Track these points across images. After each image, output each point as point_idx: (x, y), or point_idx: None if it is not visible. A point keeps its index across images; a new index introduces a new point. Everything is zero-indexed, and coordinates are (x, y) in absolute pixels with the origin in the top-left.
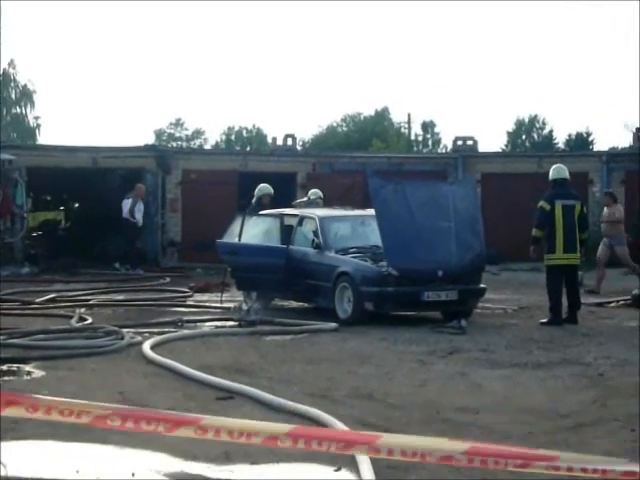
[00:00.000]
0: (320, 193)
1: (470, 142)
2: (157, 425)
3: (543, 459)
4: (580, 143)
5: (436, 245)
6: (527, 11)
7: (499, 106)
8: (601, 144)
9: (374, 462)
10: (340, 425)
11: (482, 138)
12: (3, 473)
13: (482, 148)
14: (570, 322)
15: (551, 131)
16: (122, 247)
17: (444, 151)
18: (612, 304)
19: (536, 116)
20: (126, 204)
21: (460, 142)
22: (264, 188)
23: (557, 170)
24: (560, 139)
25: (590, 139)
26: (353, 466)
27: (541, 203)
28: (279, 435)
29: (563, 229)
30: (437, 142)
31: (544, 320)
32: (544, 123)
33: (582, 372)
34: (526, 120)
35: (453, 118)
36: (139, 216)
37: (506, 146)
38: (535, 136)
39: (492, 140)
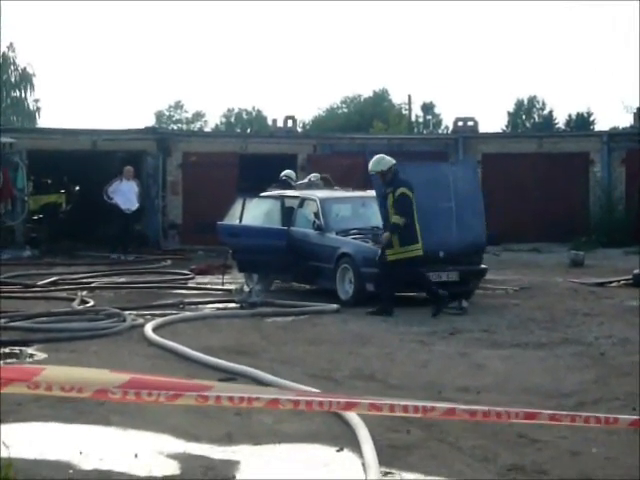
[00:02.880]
0: (323, 176)
1: (471, 123)
2: (158, 395)
3: None
4: (581, 123)
5: (437, 226)
6: None
7: (499, 87)
8: (602, 124)
9: (376, 442)
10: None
11: (482, 119)
12: (6, 454)
13: (482, 129)
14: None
15: (551, 111)
16: (113, 233)
17: (445, 132)
18: (613, 284)
19: (535, 97)
20: (106, 187)
21: (460, 123)
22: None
23: (380, 160)
24: (560, 119)
25: (591, 119)
26: (356, 446)
27: (403, 190)
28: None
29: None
30: (437, 123)
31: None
32: (544, 104)
33: (583, 351)
34: (525, 101)
35: (453, 99)
36: (134, 198)
37: (506, 127)
38: (535, 117)
39: (492, 121)
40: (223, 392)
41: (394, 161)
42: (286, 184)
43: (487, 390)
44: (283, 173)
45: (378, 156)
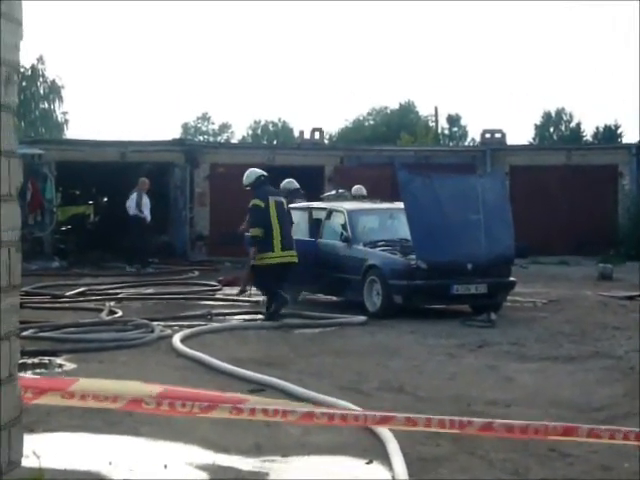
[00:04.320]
0: (363, 190)
1: (498, 135)
2: (192, 407)
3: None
4: (608, 135)
5: (465, 238)
6: (554, 2)
7: (526, 99)
8: (630, 136)
9: (406, 455)
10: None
11: (509, 131)
12: (37, 464)
13: (510, 141)
14: (268, 317)
15: (579, 124)
16: (133, 246)
17: (471, 144)
18: None
19: (563, 109)
20: (132, 200)
21: (488, 135)
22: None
23: (249, 174)
24: (588, 132)
25: (619, 131)
26: (385, 459)
27: (255, 201)
28: None
29: (279, 226)
30: (463, 135)
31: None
32: (571, 116)
33: (613, 365)
34: (553, 113)
35: (479, 111)
36: (147, 211)
37: (533, 139)
38: (563, 129)
39: (520, 133)
40: (257, 405)
41: (260, 173)
42: (342, 197)
43: (516, 404)
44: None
45: (248, 170)
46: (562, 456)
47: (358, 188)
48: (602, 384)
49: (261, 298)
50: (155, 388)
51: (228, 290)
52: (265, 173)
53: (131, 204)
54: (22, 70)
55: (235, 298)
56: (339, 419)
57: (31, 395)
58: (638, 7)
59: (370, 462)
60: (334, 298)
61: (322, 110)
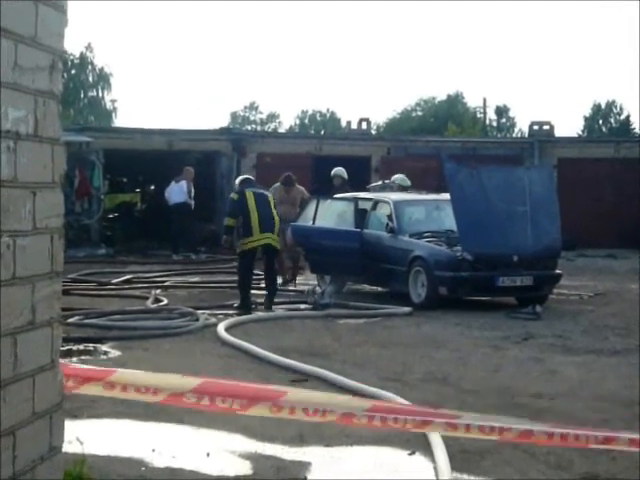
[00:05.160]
0: (407, 180)
1: (546, 127)
2: (232, 403)
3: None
4: None
5: (511, 230)
6: None
7: (575, 91)
8: None
9: (448, 447)
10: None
11: (558, 123)
12: (80, 450)
13: (558, 133)
14: (265, 307)
15: (628, 116)
16: (178, 234)
17: (519, 136)
18: None
19: (614, 101)
20: (178, 189)
21: (536, 127)
22: (337, 171)
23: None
24: (638, 124)
25: None
26: (428, 450)
27: (231, 195)
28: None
29: (257, 212)
30: (512, 127)
31: (236, 304)
32: (621, 108)
33: None
34: (603, 105)
35: (528, 103)
36: (190, 199)
37: (582, 131)
38: (612, 121)
39: (568, 125)
40: (297, 398)
41: (242, 178)
42: (388, 188)
43: (561, 396)
44: (395, 177)
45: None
46: (605, 451)
47: (401, 178)
48: None
49: (306, 287)
50: (194, 381)
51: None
52: (249, 177)
53: (177, 193)
54: (71, 58)
55: (281, 287)
56: (379, 421)
57: (72, 384)
58: None
59: (413, 453)
60: (379, 289)
61: (370, 100)
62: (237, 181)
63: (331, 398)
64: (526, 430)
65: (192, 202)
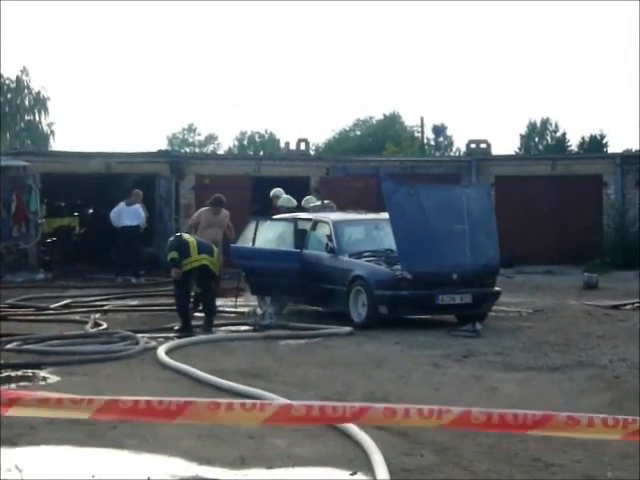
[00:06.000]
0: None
1: (483, 145)
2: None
3: None
4: (594, 145)
5: (450, 248)
6: (539, 13)
7: (511, 109)
8: (615, 146)
9: (390, 466)
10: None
11: (495, 141)
12: (19, 478)
13: (495, 151)
14: (204, 329)
15: (564, 134)
16: (124, 257)
17: (457, 154)
18: (627, 306)
19: (548, 119)
20: (131, 212)
21: (473, 145)
22: (276, 192)
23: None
24: (573, 142)
25: (604, 141)
26: (369, 470)
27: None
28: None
29: (195, 240)
30: (449, 146)
31: (177, 327)
32: (557, 126)
33: (598, 375)
34: (538, 123)
35: (465, 122)
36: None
37: (519, 149)
38: (548, 139)
39: (505, 143)
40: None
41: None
42: (328, 208)
43: None
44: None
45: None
46: (546, 466)
47: (287, 199)
48: (587, 393)
49: (247, 309)
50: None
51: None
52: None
53: (121, 215)
54: (7, 82)
55: (221, 309)
56: (318, 411)
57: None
58: (625, 17)
59: (354, 473)
60: (319, 309)
61: (308, 121)
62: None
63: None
64: (465, 412)
65: (145, 225)
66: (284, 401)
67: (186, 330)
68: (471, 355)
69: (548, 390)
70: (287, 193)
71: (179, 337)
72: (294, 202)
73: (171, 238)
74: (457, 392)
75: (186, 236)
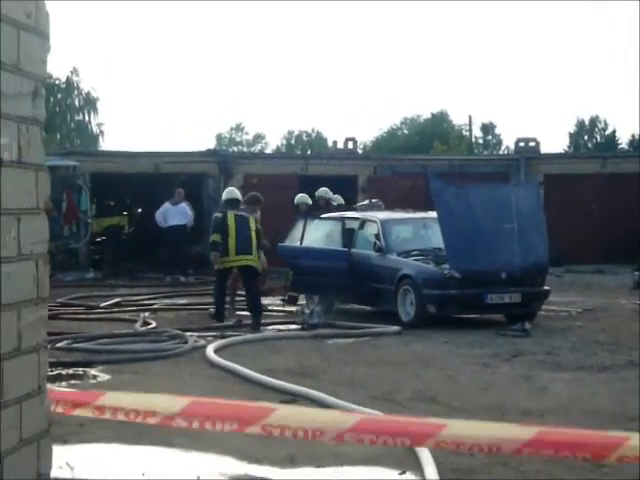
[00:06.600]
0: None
1: (532, 143)
2: (223, 424)
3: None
4: None
5: (499, 247)
6: (591, 11)
7: (560, 107)
8: None
9: (439, 465)
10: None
11: (544, 139)
12: (70, 476)
13: (544, 149)
14: (252, 328)
15: (614, 131)
16: (166, 256)
17: (505, 153)
18: None
19: (597, 117)
20: (177, 211)
21: (522, 143)
22: (321, 192)
23: (228, 192)
24: (623, 139)
25: None
26: (418, 470)
27: (215, 214)
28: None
29: (235, 235)
30: (498, 144)
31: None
32: (606, 123)
33: None
34: (587, 121)
35: (513, 120)
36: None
37: (568, 147)
38: (598, 137)
39: (554, 141)
40: (287, 415)
41: (229, 196)
42: (376, 207)
43: (551, 413)
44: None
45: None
46: (597, 467)
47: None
48: (637, 394)
49: (295, 308)
50: (183, 401)
51: (262, 300)
52: (234, 197)
53: (168, 215)
54: (57, 82)
55: (269, 308)
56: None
57: (62, 409)
58: None
59: (403, 473)
60: (367, 308)
61: (356, 120)
62: (223, 197)
63: (319, 415)
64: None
65: (192, 224)
66: (337, 433)
67: (217, 317)
68: (520, 355)
69: (598, 390)
70: (334, 192)
71: (221, 332)
72: (309, 200)
73: (217, 215)
74: (506, 392)
75: (230, 227)
